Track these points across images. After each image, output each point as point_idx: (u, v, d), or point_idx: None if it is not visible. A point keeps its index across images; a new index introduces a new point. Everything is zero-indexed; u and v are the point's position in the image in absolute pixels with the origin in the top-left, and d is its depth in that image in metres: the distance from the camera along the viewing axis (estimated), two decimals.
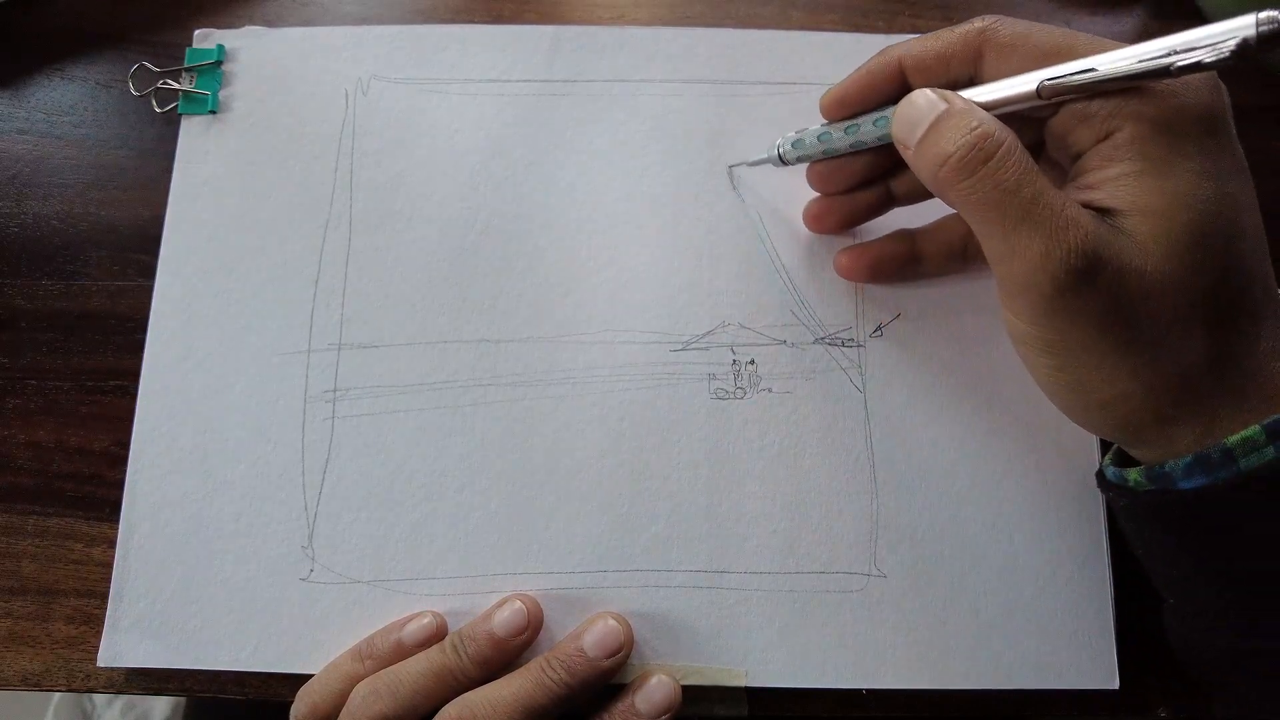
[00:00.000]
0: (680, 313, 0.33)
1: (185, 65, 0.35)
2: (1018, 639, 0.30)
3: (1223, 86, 0.24)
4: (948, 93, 0.24)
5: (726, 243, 0.33)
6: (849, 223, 0.32)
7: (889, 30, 0.37)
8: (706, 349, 0.32)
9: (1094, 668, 0.29)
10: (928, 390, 0.32)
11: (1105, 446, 0.31)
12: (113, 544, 0.30)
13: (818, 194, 0.32)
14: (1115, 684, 0.29)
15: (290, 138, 0.35)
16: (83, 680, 0.30)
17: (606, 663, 0.28)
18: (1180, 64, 0.21)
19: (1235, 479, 0.22)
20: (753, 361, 0.32)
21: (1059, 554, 0.30)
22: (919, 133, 0.24)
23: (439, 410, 0.32)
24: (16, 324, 0.34)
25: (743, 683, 0.29)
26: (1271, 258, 0.24)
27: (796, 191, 0.34)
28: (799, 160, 0.31)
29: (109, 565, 0.30)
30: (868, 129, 0.28)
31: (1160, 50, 0.22)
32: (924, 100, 0.24)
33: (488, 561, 0.30)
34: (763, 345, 0.32)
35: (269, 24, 0.36)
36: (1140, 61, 0.22)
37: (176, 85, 0.35)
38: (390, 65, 0.35)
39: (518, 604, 0.29)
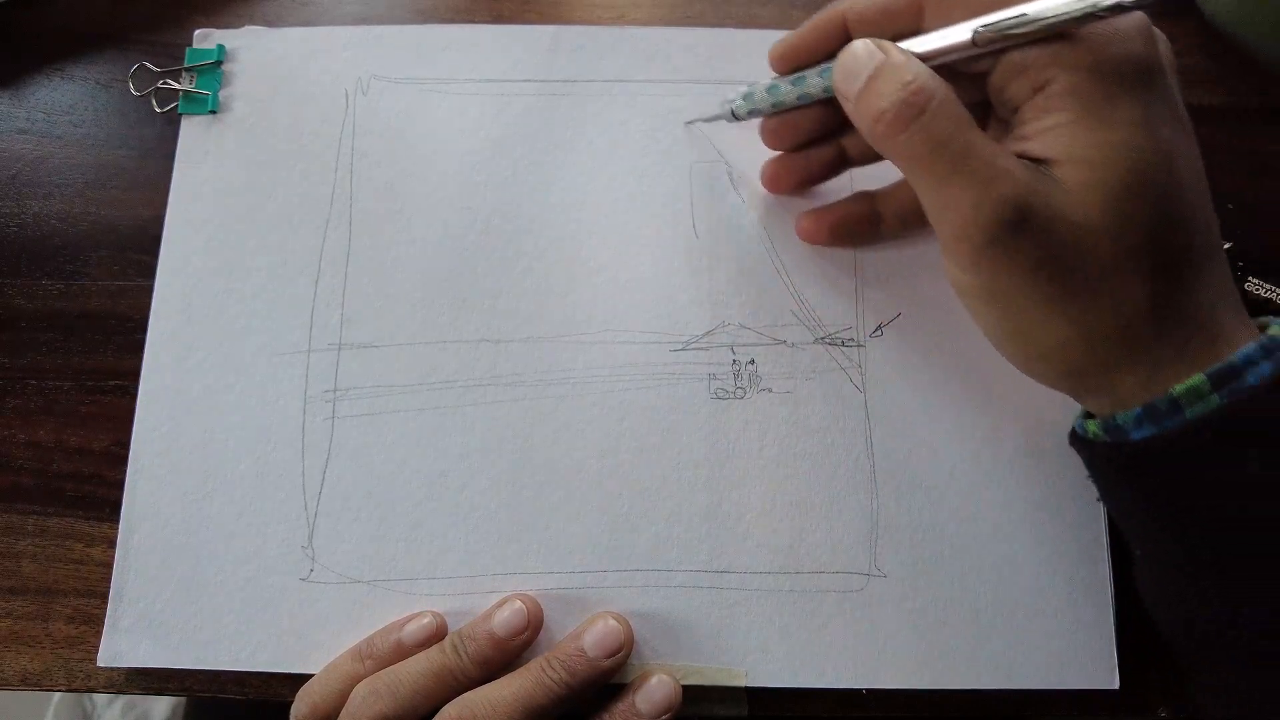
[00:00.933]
0: (680, 313, 0.33)
1: (185, 65, 0.35)
2: (1018, 639, 0.30)
3: (1159, 36, 0.24)
4: (885, 43, 0.25)
5: (726, 243, 0.33)
6: (805, 182, 0.32)
7: None
8: (706, 349, 0.32)
9: (1094, 668, 0.29)
10: (928, 390, 0.32)
11: None
12: (113, 544, 0.30)
13: (773, 154, 0.32)
14: (1115, 684, 0.29)
15: (290, 137, 0.35)
16: (83, 680, 0.30)
17: (606, 663, 0.28)
18: (1106, 4, 0.22)
19: (1183, 428, 0.23)
20: (753, 361, 0.32)
21: (1059, 554, 0.30)
22: (857, 86, 0.25)
23: (439, 410, 0.32)
24: (16, 324, 0.34)
25: (743, 683, 0.29)
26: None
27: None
28: (750, 114, 0.31)
29: (109, 565, 0.30)
30: (814, 80, 0.28)
31: None
32: (863, 50, 0.25)
33: (488, 561, 0.30)
34: (763, 345, 0.32)
35: (269, 24, 0.36)
36: (1068, 4, 0.22)
37: (176, 85, 0.35)
38: (390, 65, 0.35)
39: (518, 604, 0.29)
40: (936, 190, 0.24)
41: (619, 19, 0.38)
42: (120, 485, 0.31)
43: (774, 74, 0.30)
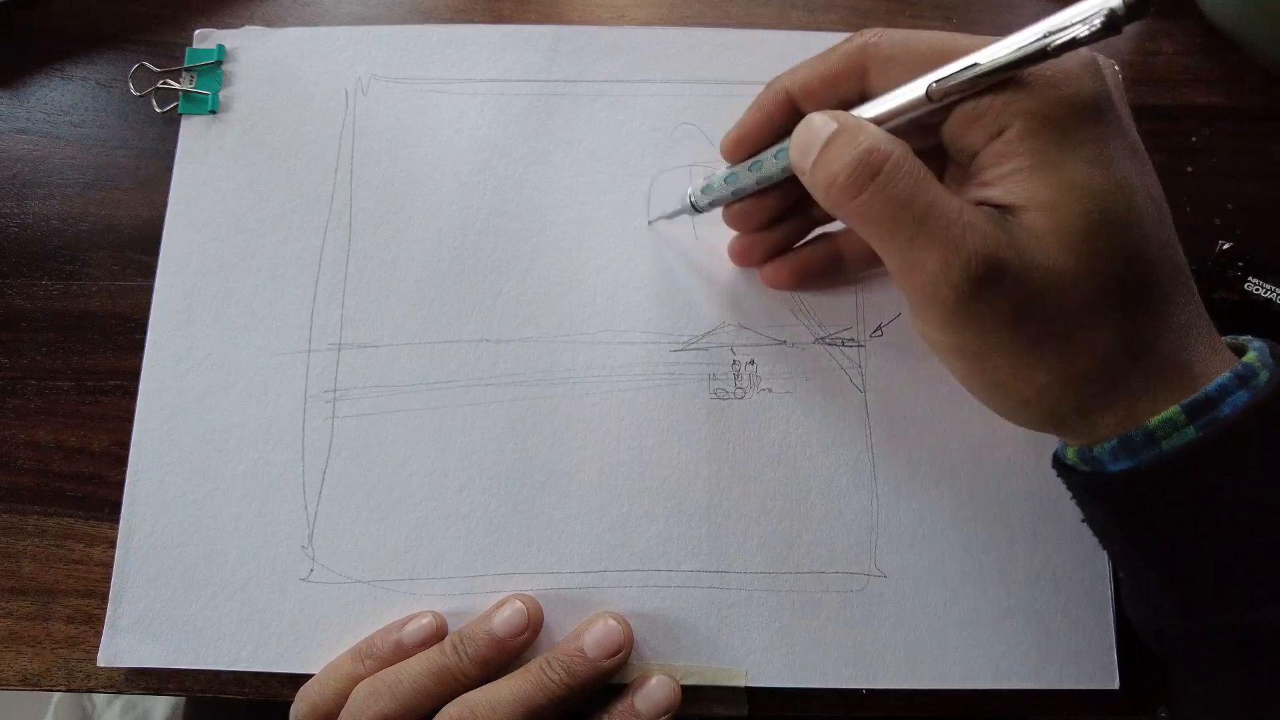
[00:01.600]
0: (680, 313, 0.33)
1: (185, 65, 0.35)
2: (1018, 639, 0.30)
3: (1106, 71, 0.24)
4: (838, 113, 0.24)
5: (726, 243, 0.33)
6: (775, 254, 0.32)
7: None
8: (706, 349, 0.32)
9: (1094, 668, 0.29)
10: (928, 390, 0.32)
11: None
12: (113, 544, 0.30)
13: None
14: (1115, 684, 0.29)
15: (290, 138, 0.35)
16: (83, 680, 0.30)
17: (606, 663, 0.28)
18: (1057, 43, 0.21)
19: (1157, 460, 0.23)
20: (753, 361, 0.32)
21: (1059, 554, 0.30)
22: (811, 157, 0.24)
23: (439, 410, 0.32)
24: (16, 324, 0.34)
25: (743, 683, 0.29)
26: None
27: None
28: (711, 205, 0.30)
29: (109, 565, 0.30)
30: (770, 163, 0.28)
31: (1036, 34, 0.22)
32: (816, 123, 0.24)
33: (488, 561, 0.30)
34: (763, 345, 0.32)
35: (269, 24, 0.36)
36: (1018, 49, 0.22)
37: (176, 85, 0.35)
38: (390, 65, 0.35)
39: (518, 604, 0.29)
40: (901, 252, 0.23)
41: (619, 19, 0.38)
42: (120, 485, 0.31)
43: (728, 163, 0.29)
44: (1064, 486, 0.27)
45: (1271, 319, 0.32)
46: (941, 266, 0.22)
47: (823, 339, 0.32)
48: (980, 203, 0.23)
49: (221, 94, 0.35)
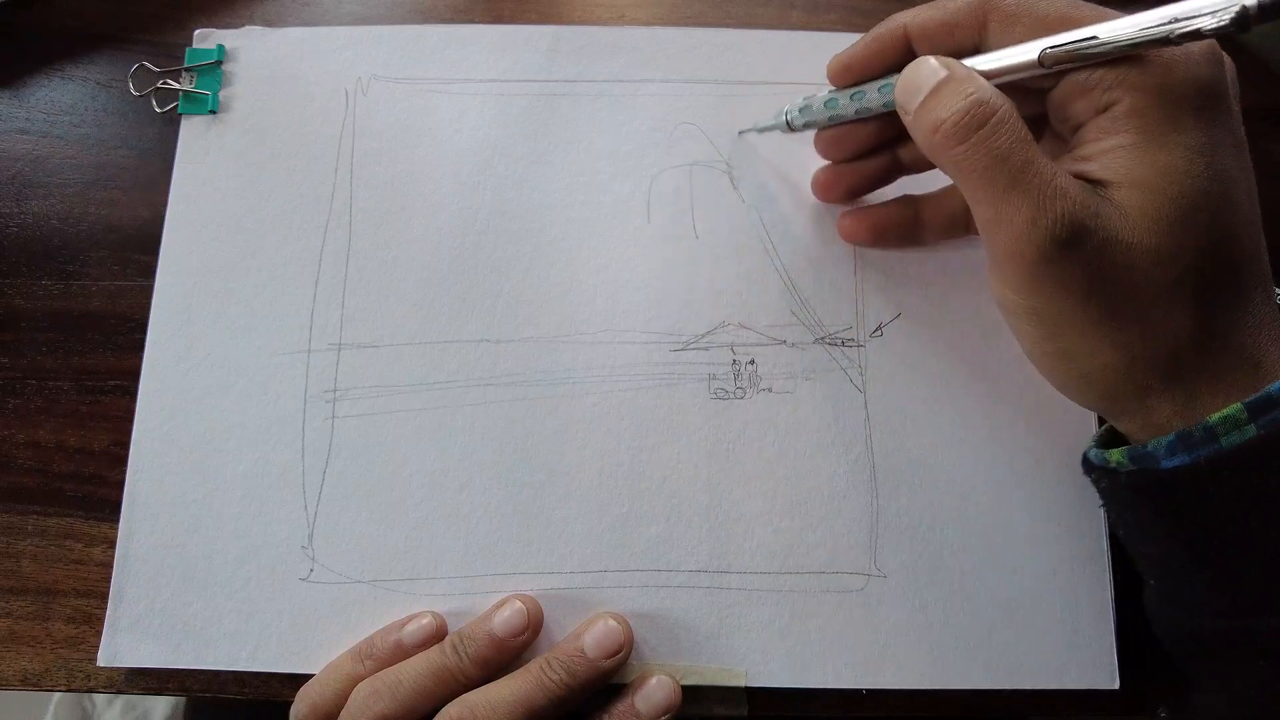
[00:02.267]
0: (680, 313, 0.33)
1: (185, 65, 0.35)
2: (1018, 639, 0.30)
3: (1225, 60, 0.24)
4: (950, 60, 0.25)
5: (726, 243, 0.33)
6: (856, 191, 0.32)
7: None
8: (706, 349, 0.32)
9: (1094, 668, 0.29)
10: (928, 390, 0.32)
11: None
12: (113, 544, 0.30)
13: (825, 162, 0.32)
14: (1115, 684, 0.29)
15: (290, 138, 0.35)
16: (83, 680, 0.30)
17: (606, 663, 0.28)
18: (1181, 31, 0.21)
19: (1216, 457, 0.22)
20: (753, 361, 0.32)
21: (1059, 554, 0.30)
22: (919, 99, 0.24)
23: (439, 410, 0.32)
24: (16, 324, 0.34)
25: (743, 683, 0.29)
26: (1272, 256, 0.24)
27: (797, 191, 0.34)
28: (806, 126, 0.31)
29: (109, 565, 0.30)
30: (873, 96, 0.28)
31: (1162, 19, 0.22)
32: (927, 67, 0.25)
33: (488, 561, 0.30)
34: (763, 345, 0.32)
35: (269, 24, 0.36)
36: (1141, 29, 0.22)
37: (176, 85, 0.35)
38: (390, 65, 0.35)
39: (518, 604, 0.29)
40: (992, 204, 0.23)
41: (619, 19, 0.38)
42: (120, 485, 0.31)
43: (829, 86, 0.30)
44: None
45: None
46: (1028, 223, 0.22)
47: (823, 339, 0.32)
48: (1075, 174, 0.23)
49: (221, 94, 0.35)
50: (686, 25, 0.37)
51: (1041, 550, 0.30)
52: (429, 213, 0.34)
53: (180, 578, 0.30)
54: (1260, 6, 0.20)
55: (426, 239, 0.33)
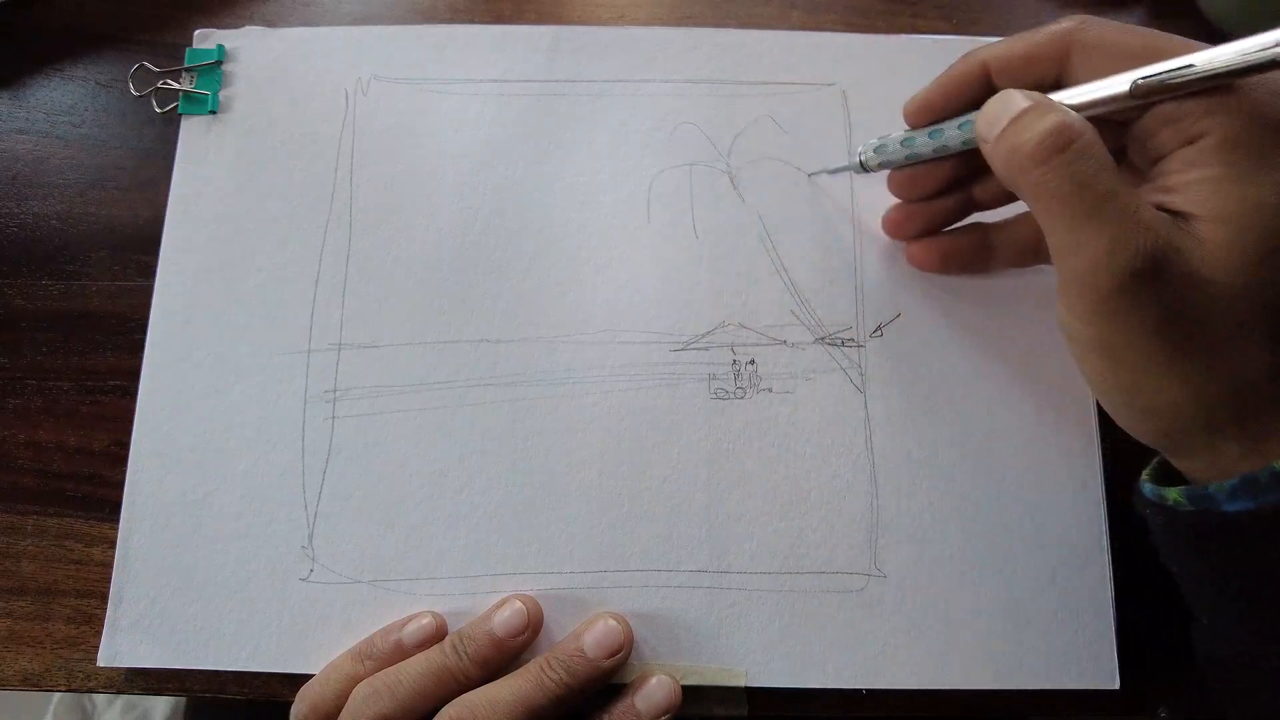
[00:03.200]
0: (680, 313, 0.33)
1: (185, 65, 0.35)
2: (1018, 639, 0.30)
3: None
4: (1034, 93, 0.24)
5: (726, 243, 0.33)
6: (929, 229, 0.32)
7: (889, 30, 0.37)
8: (706, 349, 0.32)
9: (1094, 668, 0.29)
10: (928, 390, 0.32)
11: (1106, 449, 0.31)
12: (113, 544, 0.30)
13: (897, 200, 0.32)
14: (1115, 684, 0.29)
15: (290, 138, 0.35)
16: (83, 680, 0.30)
17: (606, 663, 0.28)
18: None
19: None
20: (753, 361, 0.32)
21: (1059, 554, 0.30)
22: (999, 127, 0.24)
23: (439, 410, 0.32)
24: (16, 324, 0.34)
25: (743, 683, 0.29)
26: None
27: (798, 191, 0.34)
28: (881, 166, 0.30)
29: (109, 565, 0.30)
30: (952, 133, 0.27)
31: (1264, 44, 0.21)
32: (1012, 98, 0.24)
33: (488, 561, 0.30)
34: (763, 345, 0.32)
35: (269, 24, 0.36)
36: (1243, 54, 0.22)
37: (176, 85, 0.35)
38: (390, 65, 0.35)
39: (517, 604, 0.29)
40: (1070, 230, 0.22)
41: (619, 19, 0.38)
42: (120, 485, 0.31)
43: (906, 127, 0.29)
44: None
45: None
46: (1106, 253, 0.22)
47: (823, 339, 0.32)
48: (1156, 206, 0.23)
49: (221, 94, 0.35)
50: (686, 25, 0.37)
51: (1041, 550, 0.30)
52: (429, 213, 0.34)
53: (180, 578, 0.30)
54: None
55: (426, 239, 0.33)
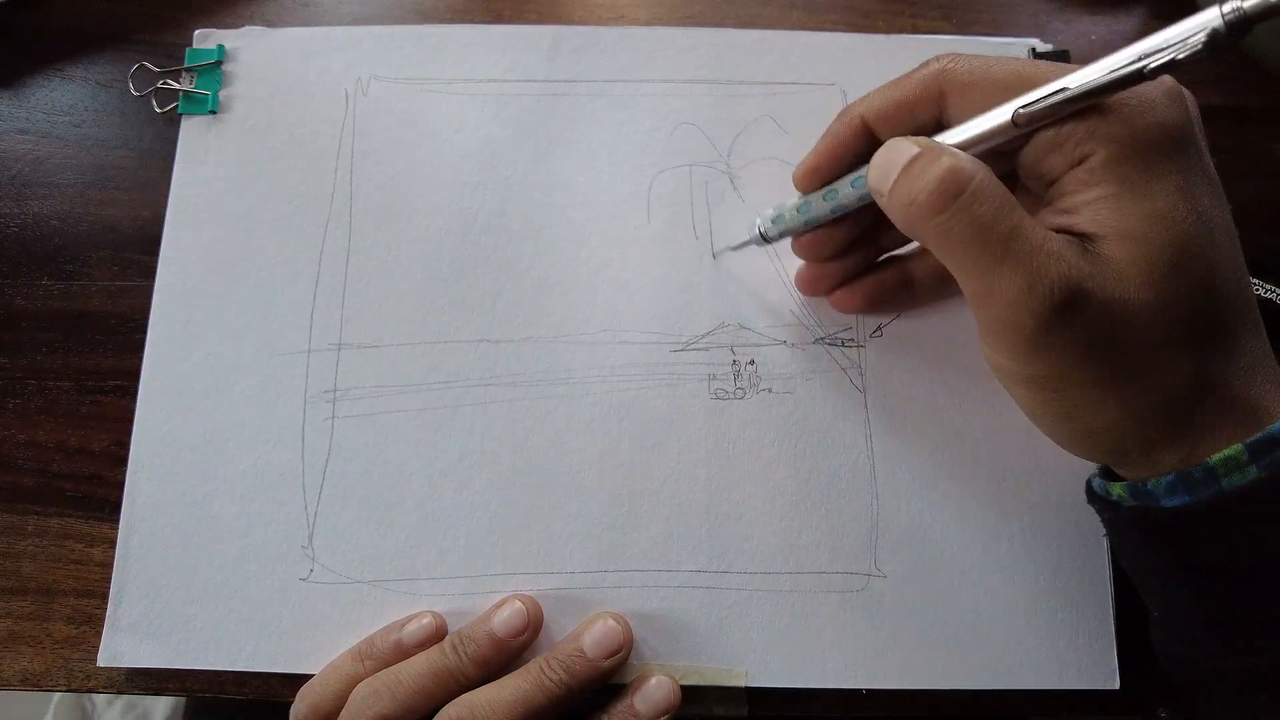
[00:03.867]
0: (680, 313, 0.33)
1: (185, 65, 0.35)
2: (1018, 639, 0.30)
3: (1187, 97, 0.23)
4: (921, 139, 0.24)
5: (727, 243, 0.33)
6: (844, 283, 0.31)
7: (889, 30, 0.37)
8: (706, 349, 0.32)
9: (1094, 668, 0.29)
10: (928, 390, 0.32)
11: None
12: (113, 544, 0.30)
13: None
14: (1115, 684, 0.29)
15: (290, 138, 0.35)
16: (83, 680, 0.30)
17: (606, 663, 0.28)
18: (1154, 65, 0.21)
19: (1217, 498, 0.22)
20: (753, 361, 0.32)
21: (1059, 554, 0.30)
22: (891, 178, 0.24)
23: (439, 410, 0.32)
24: (16, 324, 0.34)
25: (743, 683, 0.29)
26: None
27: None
28: (781, 236, 0.30)
29: (109, 565, 0.30)
30: (846, 191, 0.27)
31: (1130, 57, 0.22)
32: (899, 147, 0.24)
33: (488, 561, 0.30)
34: (763, 345, 0.32)
35: (269, 24, 0.36)
36: (1111, 71, 0.22)
37: (176, 85, 0.35)
38: (390, 65, 0.35)
39: (517, 604, 0.29)
40: (980, 276, 0.22)
41: (619, 19, 0.38)
42: (120, 485, 0.31)
43: (799, 193, 0.29)
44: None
45: (1271, 319, 0.32)
46: (1023, 293, 0.22)
47: (823, 339, 0.32)
48: (1058, 229, 0.23)
49: (221, 94, 0.35)
50: (686, 25, 0.37)
51: (1041, 550, 0.30)
52: (429, 213, 0.34)
53: (180, 578, 0.30)
54: (1228, 25, 0.20)
55: (426, 239, 0.33)
